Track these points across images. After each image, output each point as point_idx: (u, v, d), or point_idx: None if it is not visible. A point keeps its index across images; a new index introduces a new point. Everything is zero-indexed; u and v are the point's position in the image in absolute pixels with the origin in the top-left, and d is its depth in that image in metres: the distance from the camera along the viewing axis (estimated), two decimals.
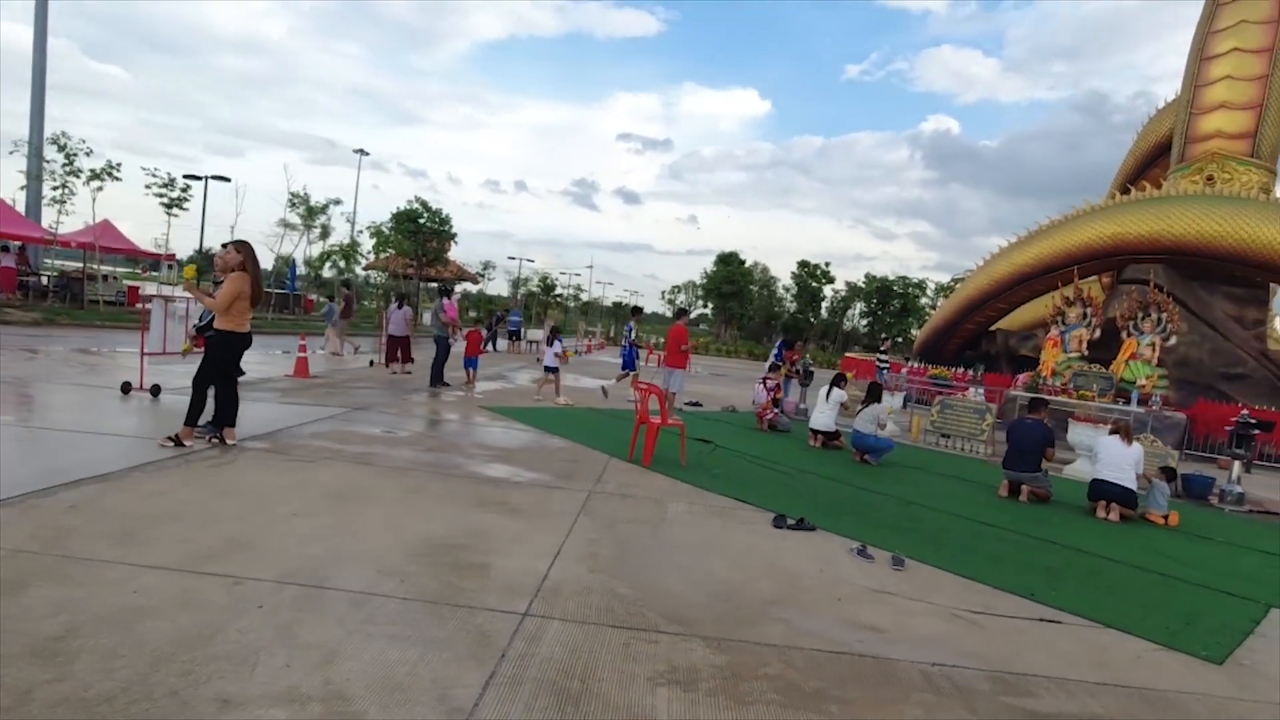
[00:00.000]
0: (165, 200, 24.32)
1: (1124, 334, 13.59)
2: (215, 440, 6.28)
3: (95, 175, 22.14)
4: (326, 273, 35.70)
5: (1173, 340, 13.44)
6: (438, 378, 12.48)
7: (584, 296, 68.48)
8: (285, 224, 35.01)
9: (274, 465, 5.88)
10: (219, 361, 6.34)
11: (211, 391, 6.35)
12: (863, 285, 60.43)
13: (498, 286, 65.16)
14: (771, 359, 13.53)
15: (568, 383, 11.90)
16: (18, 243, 23.54)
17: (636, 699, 2.86)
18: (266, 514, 4.59)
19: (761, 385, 11.79)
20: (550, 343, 12.27)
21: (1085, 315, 14.28)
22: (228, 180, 24.53)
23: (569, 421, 10.01)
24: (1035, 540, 6.31)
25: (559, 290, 61.96)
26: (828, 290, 62.14)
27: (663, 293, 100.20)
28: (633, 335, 13.38)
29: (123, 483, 4.93)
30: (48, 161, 21.94)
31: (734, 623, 3.74)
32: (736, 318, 63.34)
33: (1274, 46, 19.16)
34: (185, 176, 24.07)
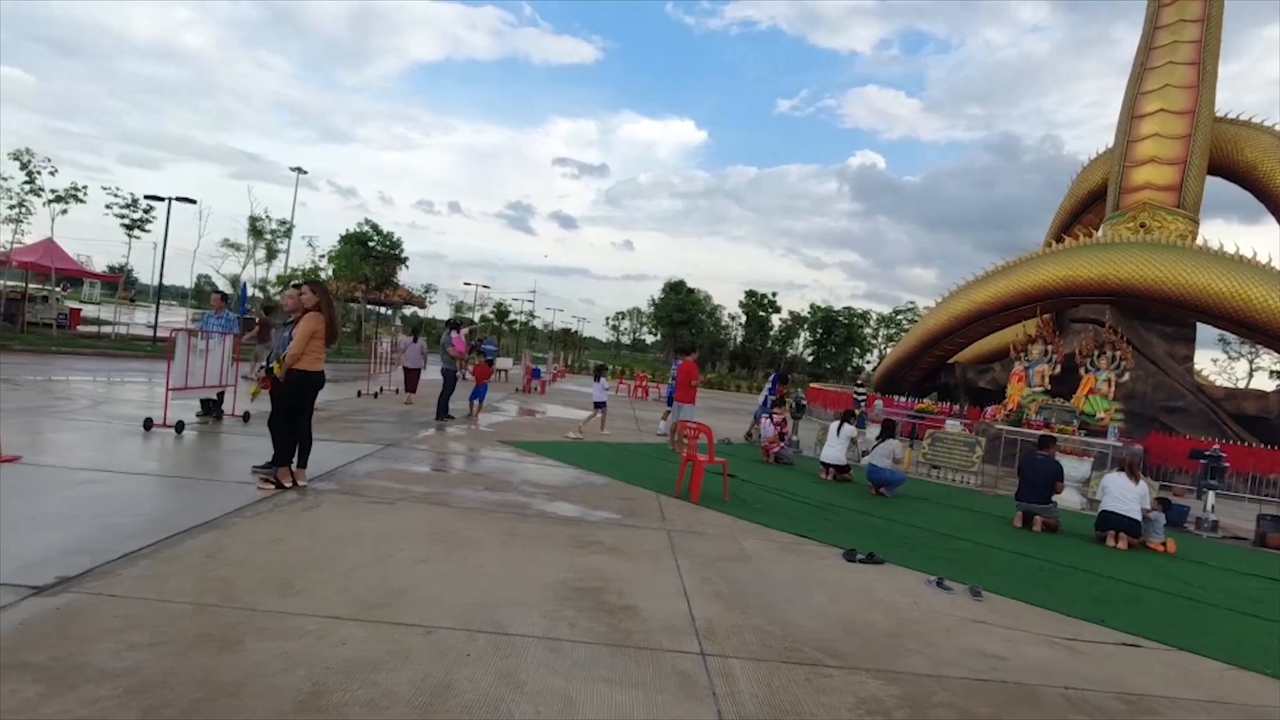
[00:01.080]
0: (126, 221, 23.24)
1: (1082, 370, 14.71)
2: (270, 481, 6.14)
3: (59, 197, 21.04)
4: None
5: (1126, 376, 14.65)
6: (443, 411, 12.45)
7: (534, 322, 68.27)
8: (230, 244, 33.81)
9: (358, 509, 5.89)
10: (292, 400, 6.31)
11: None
12: (807, 315, 62.46)
13: (439, 310, 64.43)
14: (765, 393, 14.02)
15: (548, 414, 12.04)
16: None
17: None
18: (392, 560, 4.65)
19: (769, 420, 12.24)
20: (597, 378, 13.14)
21: (1047, 352, 15.39)
22: (193, 202, 23.60)
23: (593, 456, 10.17)
24: (1068, 568, 6.87)
25: (511, 316, 61.65)
26: (775, 319, 63.99)
27: (607, 319, 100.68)
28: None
29: (234, 530, 4.90)
30: (4, 179, 20.74)
31: (878, 654, 4.05)
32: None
33: (1195, 109, 21.25)
34: (147, 197, 23.02)
